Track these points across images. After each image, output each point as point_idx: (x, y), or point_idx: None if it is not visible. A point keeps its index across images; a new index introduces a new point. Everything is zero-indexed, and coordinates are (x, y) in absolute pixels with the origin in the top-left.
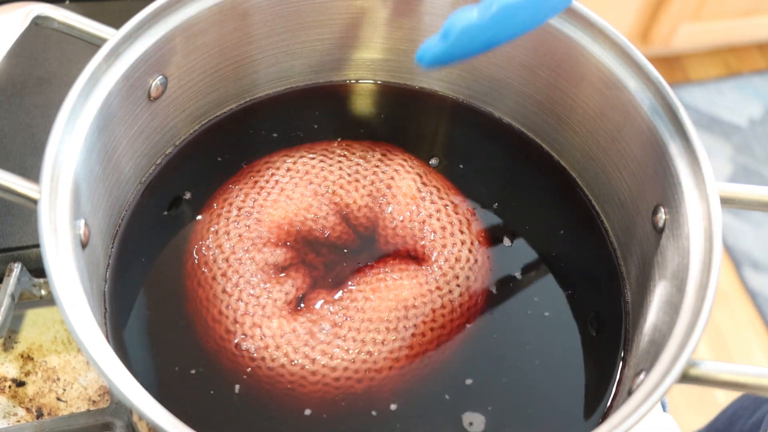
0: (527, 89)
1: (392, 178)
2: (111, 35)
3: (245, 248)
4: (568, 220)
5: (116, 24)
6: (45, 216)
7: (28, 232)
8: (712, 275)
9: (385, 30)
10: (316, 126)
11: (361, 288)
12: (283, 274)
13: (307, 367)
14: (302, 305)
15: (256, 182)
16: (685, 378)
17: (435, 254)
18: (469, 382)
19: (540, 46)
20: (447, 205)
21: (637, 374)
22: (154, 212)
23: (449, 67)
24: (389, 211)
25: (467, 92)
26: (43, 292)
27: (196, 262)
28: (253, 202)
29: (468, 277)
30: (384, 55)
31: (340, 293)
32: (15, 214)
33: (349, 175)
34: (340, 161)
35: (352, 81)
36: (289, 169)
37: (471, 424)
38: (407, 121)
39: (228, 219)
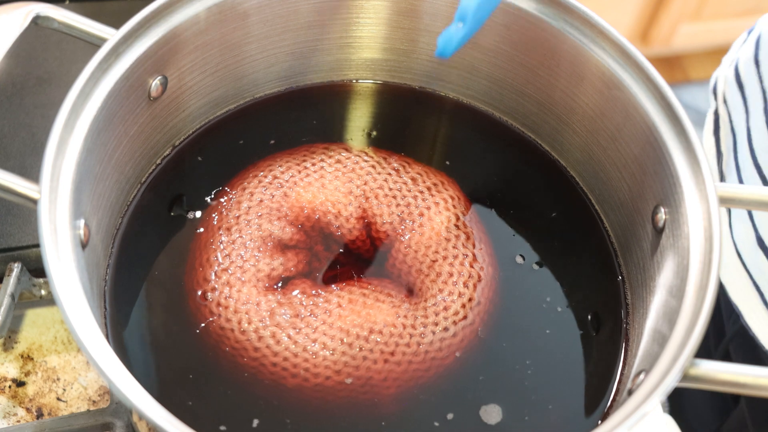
0: (527, 89)
1: (429, 208)
2: (111, 35)
3: (259, 213)
4: (568, 220)
5: (116, 24)
6: (45, 216)
7: (28, 232)
8: (712, 275)
9: (385, 30)
10: (315, 126)
11: (340, 294)
12: (279, 254)
13: (252, 341)
14: (279, 285)
15: (303, 160)
16: (685, 378)
17: (428, 295)
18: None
19: (540, 46)
20: (467, 256)
21: (637, 374)
22: (154, 212)
23: (449, 67)
24: (408, 237)
25: (467, 92)
26: (43, 292)
27: (213, 210)
28: (290, 176)
29: (447, 329)
30: (384, 55)
31: (320, 291)
32: (15, 214)
33: (390, 189)
34: (390, 174)
35: (352, 81)
36: (339, 161)
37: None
38: (407, 121)
39: (260, 183)
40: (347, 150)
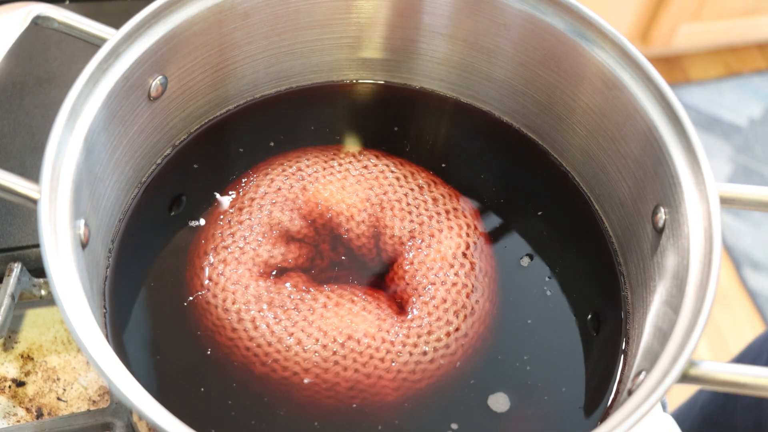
0: (527, 89)
1: (441, 231)
2: (111, 35)
3: (273, 201)
4: (568, 220)
5: (116, 24)
6: (45, 216)
7: (28, 232)
8: (712, 275)
9: (385, 30)
10: (315, 126)
11: (330, 295)
12: (283, 244)
13: (232, 321)
14: (274, 274)
15: (332, 158)
16: (685, 378)
17: (415, 315)
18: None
19: (540, 46)
20: (465, 286)
21: (637, 374)
22: (154, 212)
23: (449, 67)
24: (412, 255)
25: (467, 92)
26: (43, 292)
27: (231, 189)
28: (314, 171)
29: (426, 353)
30: (384, 55)
31: (311, 289)
32: (15, 214)
33: (408, 204)
34: (412, 189)
35: (352, 81)
36: (366, 167)
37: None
38: (407, 121)
39: (283, 171)
40: (377, 157)
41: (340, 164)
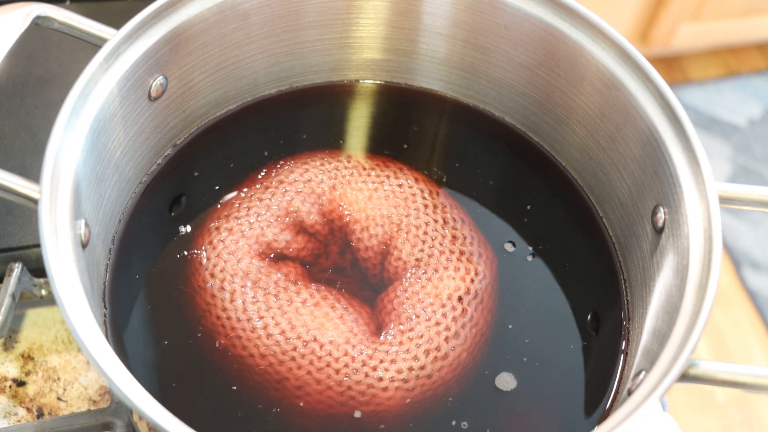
0: (527, 89)
1: (447, 268)
2: (111, 35)
3: (298, 190)
4: (568, 220)
5: (116, 24)
6: (45, 216)
7: (28, 232)
8: (712, 275)
9: (385, 30)
10: (315, 126)
11: (313, 294)
12: (292, 232)
13: (214, 288)
14: (271, 257)
15: (372, 168)
16: (685, 378)
17: (387, 340)
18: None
19: (540, 46)
20: (448, 329)
21: (637, 374)
22: (154, 212)
23: (449, 67)
24: (409, 283)
25: (467, 92)
26: (43, 292)
27: (267, 168)
28: (349, 173)
29: (381, 380)
30: (384, 55)
31: (299, 282)
32: (15, 214)
33: (425, 233)
34: (436, 220)
35: (352, 81)
36: (400, 185)
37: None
38: (407, 121)
39: (320, 165)
40: (416, 180)
41: (378, 175)
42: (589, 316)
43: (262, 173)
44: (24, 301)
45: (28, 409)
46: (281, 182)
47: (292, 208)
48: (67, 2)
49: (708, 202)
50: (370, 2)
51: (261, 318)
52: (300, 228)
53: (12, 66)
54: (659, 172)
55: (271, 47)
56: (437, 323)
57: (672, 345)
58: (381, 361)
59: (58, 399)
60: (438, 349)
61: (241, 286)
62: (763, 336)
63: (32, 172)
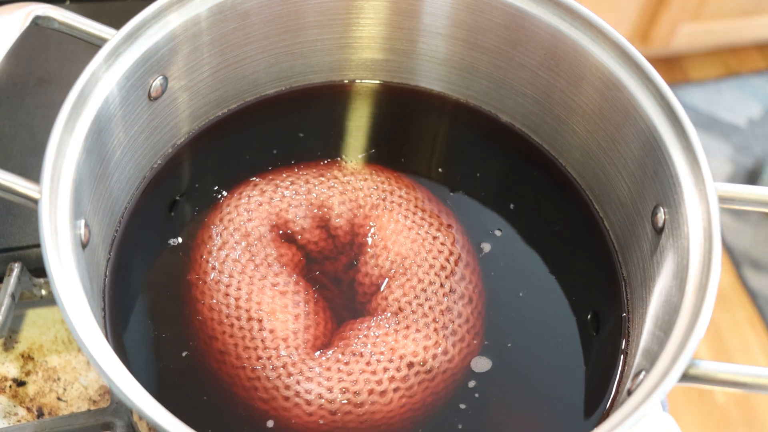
0: (527, 89)
1: (419, 330)
2: (111, 35)
3: (331, 194)
4: (568, 220)
5: (116, 24)
6: (45, 216)
7: (28, 232)
8: (712, 275)
9: (385, 30)
10: (315, 127)
11: (288, 284)
12: (311, 222)
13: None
14: (280, 233)
15: (392, 191)
16: (685, 378)
17: (319, 358)
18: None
19: (540, 46)
20: (380, 383)
21: (637, 374)
22: (154, 212)
23: (449, 67)
24: (376, 323)
25: (467, 92)
26: (43, 292)
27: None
28: (398, 204)
29: (288, 388)
30: (384, 55)
31: (285, 267)
32: (15, 214)
33: (423, 290)
34: (443, 285)
35: (352, 81)
36: (435, 238)
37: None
38: (407, 122)
39: (380, 180)
40: (448, 226)
41: (422, 218)
42: (589, 316)
43: (325, 161)
44: (24, 301)
45: (28, 409)
46: (335, 177)
47: (325, 205)
48: (67, 2)
49: (708, 202)
50: (370, 2)
51: (230, 276)
52: (322, 223)
53: (12, 66)
54: (659, 172)
55: (271, 47)
56: (373, 372)
57: (672, 345)
58: (299, 374)
59: (58, 399)
60: (356, 394)
61: (235, 242)
62: (763, 336)
63: (32, 172)
